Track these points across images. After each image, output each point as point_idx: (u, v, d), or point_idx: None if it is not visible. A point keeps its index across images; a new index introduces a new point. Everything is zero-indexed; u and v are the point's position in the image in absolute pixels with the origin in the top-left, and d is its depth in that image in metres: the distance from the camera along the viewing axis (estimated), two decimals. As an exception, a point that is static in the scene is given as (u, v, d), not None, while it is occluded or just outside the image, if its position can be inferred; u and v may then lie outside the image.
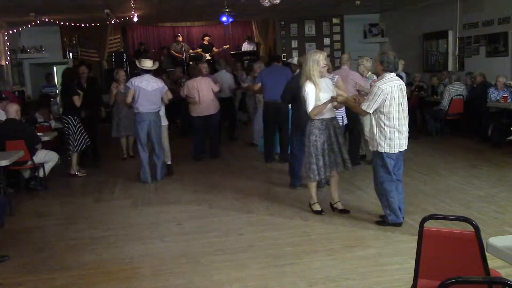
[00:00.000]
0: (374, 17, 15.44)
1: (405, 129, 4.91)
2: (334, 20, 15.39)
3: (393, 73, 4.86)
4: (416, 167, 7.56)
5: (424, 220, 2.64)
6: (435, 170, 7.48)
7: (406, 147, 4.98)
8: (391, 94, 4.75)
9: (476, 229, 2.50)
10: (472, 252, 2.49)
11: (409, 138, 5.04)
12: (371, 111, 4.85)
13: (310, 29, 15.41)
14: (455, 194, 6.18)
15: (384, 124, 4.84)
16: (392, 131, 4.84)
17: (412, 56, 13.52)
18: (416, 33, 13.35)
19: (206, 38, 16.19)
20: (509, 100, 8.98)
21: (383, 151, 4.90)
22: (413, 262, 2.73)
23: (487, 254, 2.52)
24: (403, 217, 5.11)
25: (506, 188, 6.31)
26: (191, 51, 15.97)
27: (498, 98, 9.12)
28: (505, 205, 5.66)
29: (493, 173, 7.14)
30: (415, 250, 2.69)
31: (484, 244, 2.52)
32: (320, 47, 15.28)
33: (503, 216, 5.30)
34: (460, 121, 10.30)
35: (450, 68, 11.95)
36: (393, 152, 4.89)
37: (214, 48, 16.05)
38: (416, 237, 2.68)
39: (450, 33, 11.97)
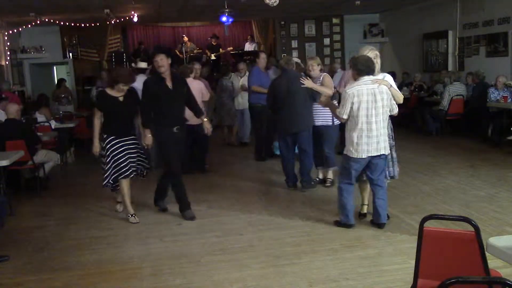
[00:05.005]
0: (374, 17, 15.45)
1: (376, 133, 4.70)
2: (334, 20, 15.39)
3: (367, 76, 4.71)
4: (416, 167, 7.56)
5: (424, 220, 2.64)
6: (435, 170, 7.48)
7: (382, 152, 4.78)
8: (358, 97, 4.67)
9: (476, 229, 2.50)
10: (472, 252, 2.49)
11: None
12: (344, 116, 4.78)
13: (310, 29, 15.40)
14: (455, 194, 6.18)
15: (352, 128, 4.78)
16: (359, 136, 4.72)
17: (412, 56, 13.54)
18: (416, 33, 13.35)
19: (214, 39, 16.14)
20: (509, 100, 8.98)
21: (350, 156, 4.81)
22: (413, 262, 2.73)
23: (487, 254, 2.52)
24: (385, 220, 5.01)
25: (506, 188, 6.31)
26: (195, 51, 15.91)
27: (498, 98, 9.13)
28: (505, 205, 5.66)
29: (493, 173, 7.14)
30: (415, 250, 2.69)
31: (484, 244, 2.52)
32: (320, 47, 15.33)
33: (503, 216, 5.30)
34: (460, 121, 10.29)
35: (450, 68, 11.96)
36: (360, 157, 4.76)
37: (220, 49, 16.01)
38: (416, 237, 2.68)
39: (450, 33, 11.98)
